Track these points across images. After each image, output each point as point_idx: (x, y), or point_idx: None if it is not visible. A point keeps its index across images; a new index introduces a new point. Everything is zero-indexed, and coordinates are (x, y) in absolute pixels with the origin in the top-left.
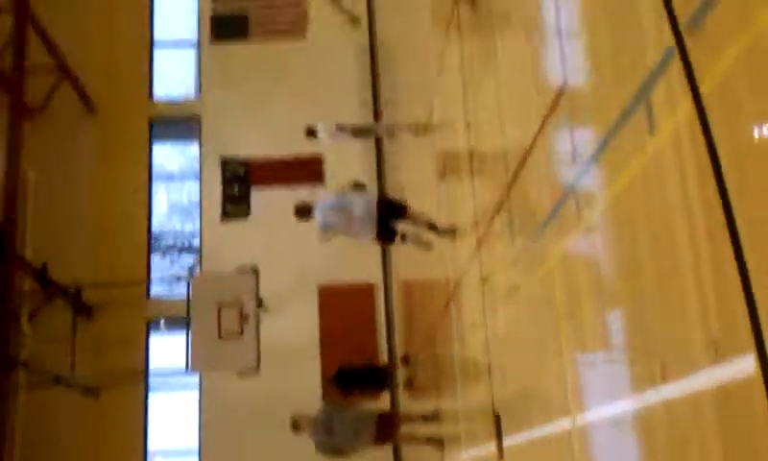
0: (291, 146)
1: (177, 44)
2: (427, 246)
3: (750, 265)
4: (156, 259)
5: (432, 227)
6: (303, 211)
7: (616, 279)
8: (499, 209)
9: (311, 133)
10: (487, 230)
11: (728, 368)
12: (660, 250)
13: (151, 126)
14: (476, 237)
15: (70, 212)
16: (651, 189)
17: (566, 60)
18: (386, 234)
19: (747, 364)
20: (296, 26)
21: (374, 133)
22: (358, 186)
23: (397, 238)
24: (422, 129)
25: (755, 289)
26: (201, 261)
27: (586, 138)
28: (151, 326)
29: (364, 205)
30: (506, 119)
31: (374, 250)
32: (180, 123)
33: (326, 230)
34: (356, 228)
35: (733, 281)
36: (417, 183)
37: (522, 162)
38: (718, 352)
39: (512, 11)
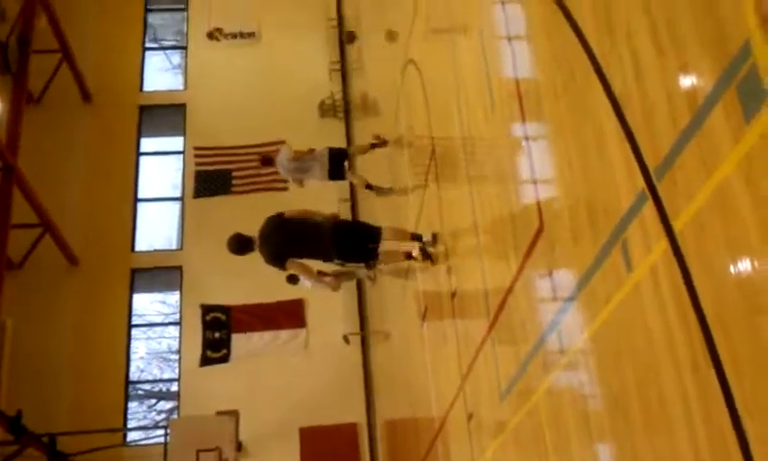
0: (272, 294)
1: (160, 199)
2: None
3: (737, 397)
4: (133, 406)
5: (374, 145)
6: (266, 161)
7: (603, 414)
8: (482, 346)
9: (292, 278)
10: (471, 365)
11: None
12: (645, 383)
13: (132, 275)
14: (460, 374)
15: (47, 360)
16: (632, 323)
17: (542, 204)
18: (336, 174)
19: None
20: (278, 180)
21: (356, 276)
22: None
23: (347, 174)
24: (404, 274)
25: (744, 422)
26: (179, 407)
27: (565, 277)
28: None
29: (317, 159)
30: (486, 261)
31: (358, 388)
32: (161, 273)
33: (287, 177)
34: (312, 175)
35: (720, 410)
36: (402, 330)
37: (503, 301)
38: None
39: (485, 161)
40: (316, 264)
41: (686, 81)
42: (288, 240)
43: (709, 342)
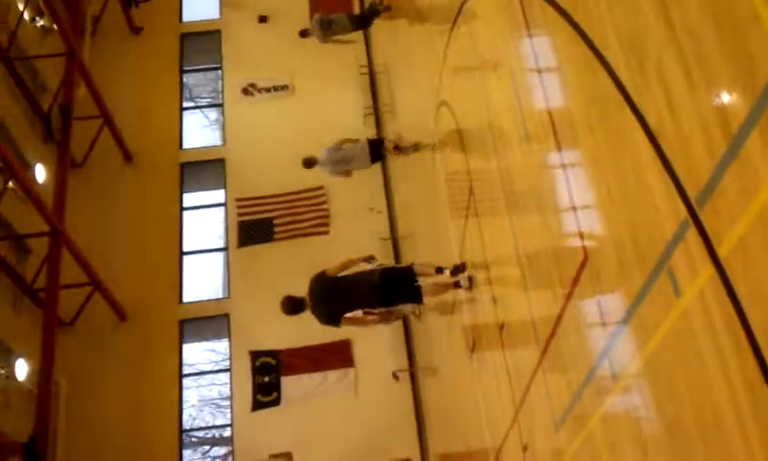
0: (319, 336)
1: (205, 251)
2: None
3: None
4: (187, 454)
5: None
6: (309, 164)
7: (660, 439)
8: (534, 376)
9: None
10: (524, 395)
11: None
12: (700, 407)
13: (181, 326)
14: (513, 405)
15: (102, 416)
16: (684, 348)
17: (585, 235)
18: (378, 158)
19: None
20: (318, 225)
21: (402, 313)
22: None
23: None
24: (450, 309)
25: None
26: (233, 452)
27: (613, 304)
28: None
29: (359, 148)
30: (531, 292)
31: (410, 425)
32: (209, 322)
33: (333, 174)
34: (356, 164)
35: None
36: (451, 363)
37: (553, 330)
38: None
39: (526, 192)
40: None
41: (720, 111)
42: (337, 299)
43: (762, 362)
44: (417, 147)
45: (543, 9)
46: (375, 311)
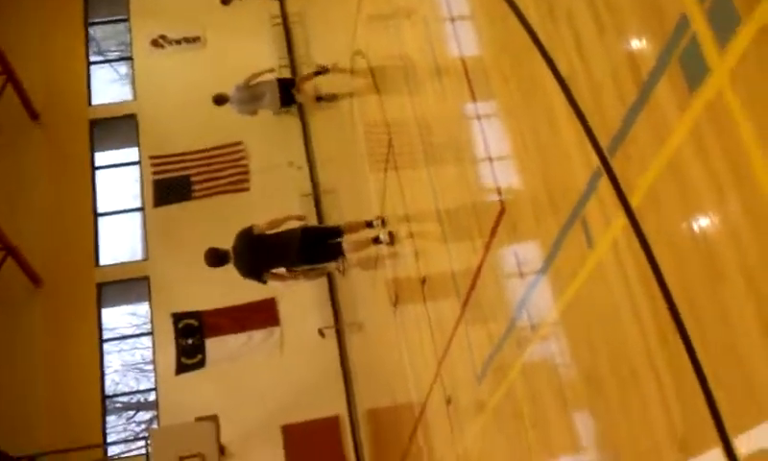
0: (243, 295)
1: (120, 212)
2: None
3: (703, 361)
4: (111, 420)
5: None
6: (220, 100)
7: (578, 387)
8: (455, 331)
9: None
10: (446, 349)
11: None
12: (616, 356)
13: (99, 290)
14: (436, 359)
15: (21, 382)
16: (599, 298)
17: (501, 186)
18: (289, 101)
19: (715, 458)
20: (238, 182)
21: (326, 270)
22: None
23: (296, 96)
24: (373, 263)
25: (712, 385)
26: (158, 416)
27: (530, 255)
28: None
29: (268, 87)
30: (452, 245)
31: (337, 382)
32: (129, 285)
33: (242, 112)
34: (265, 103)
35: (690, 379)
36: (376, 319)
37: (473, 283)
38: (685, 451)
39: (444, 144)
40: None
41: (630, 57)
42: (260, 256)
43: (674, 312)
44: (335, 97)
45: None
46: (298, 269)
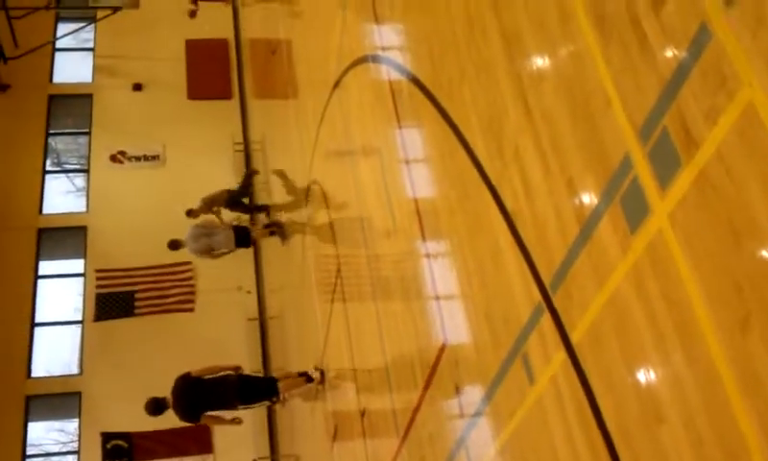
0: (176, 420)
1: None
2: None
3: None
4: None
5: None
6: (174, 246)
7: None
8: None
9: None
10: None
11: None
12: None
13: (27, 402)
14: None
15: None
16: (537, 438)
17: (445, 321)
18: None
19: None
20: (183, 301)
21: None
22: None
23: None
24: (314, 396)
25: None
26: None
27: (470, 392)
28: None
29: (222, 229)
30: (393, 378)
31: None
32: (59, 399)
33: (197, 252)
34: (219, 241)
35: None
36: (312, 452)
37: (412, 419)
38: None
39: (391, 279)
40: None
41: (573, 194)
42: (198, 401)
43: (612, 452)
44: (285, 233)
45: (411, 93)
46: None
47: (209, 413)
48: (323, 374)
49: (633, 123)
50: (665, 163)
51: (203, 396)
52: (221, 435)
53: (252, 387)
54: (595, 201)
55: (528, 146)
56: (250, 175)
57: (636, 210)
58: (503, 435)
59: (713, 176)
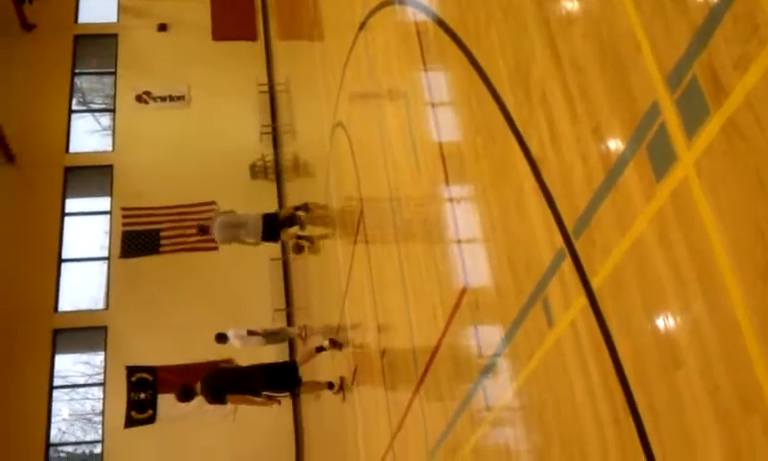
0: (200, 354)
1: (85, 259)
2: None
3: (655, 447)
4: None
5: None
6: (221, 339)
7: None
8: (411, 403)
9: (221, 338)
10: (401, 422)
11: None
12: (567, 438)
13: (54, 336)
14: (390, 431)
15: None
16: (555, 379)
17: (466, 262)
18: (271, 237)
19: None
20: (207, 240)
21: (286, 336)
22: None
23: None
24: (335, 330)
25: None
26: None
27: (490, 334)
28: None
29: (252, 218)
30: (414, 319)
31: (289, 451)
32: (85, 333)
33: (224, 240)
34: (247, 231)
35: None
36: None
37: (431, 359)
38: None
39: (413, 222)
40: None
41: (599, 141)
42: (224, 387)
43: (629, 396)
44: (314, 248)
45: (438, 36)
46: (260, 332)
47: (235, 396)
48: (334, 342)
49: (662, 70)
50: (693, 111)
51: (231, 383)
52: None
53: (277, 375)
54: (621, 147)
55: (555, 91)
56: (297, 210)
57: (662, 158)
58: (521, 377)
59: (742, 124)
